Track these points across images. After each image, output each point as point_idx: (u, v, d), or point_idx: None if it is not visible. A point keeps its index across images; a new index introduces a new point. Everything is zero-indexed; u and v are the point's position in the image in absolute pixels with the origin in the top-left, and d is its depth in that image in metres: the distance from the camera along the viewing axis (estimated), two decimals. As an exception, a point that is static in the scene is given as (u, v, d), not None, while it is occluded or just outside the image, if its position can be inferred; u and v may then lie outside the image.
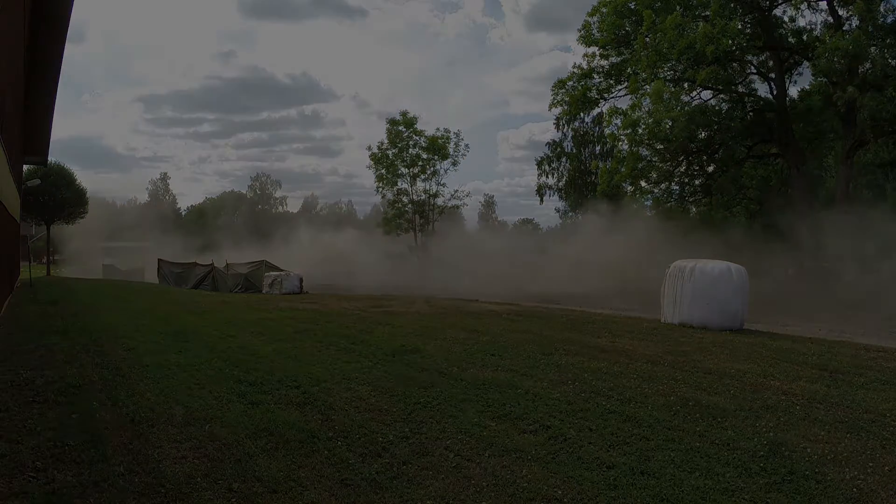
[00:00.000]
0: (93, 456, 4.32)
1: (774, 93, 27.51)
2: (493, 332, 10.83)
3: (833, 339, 10.75)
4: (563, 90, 32.45)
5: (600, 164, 37.00)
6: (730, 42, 25.17)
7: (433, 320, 12.65)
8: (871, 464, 4.62)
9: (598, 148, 46.96)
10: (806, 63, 26.36)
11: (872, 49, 22.68)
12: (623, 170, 28.38)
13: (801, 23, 27.26)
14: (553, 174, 49.07)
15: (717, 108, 28.08)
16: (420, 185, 42.96)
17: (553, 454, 4.70)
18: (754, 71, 28.10)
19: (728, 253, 17.82)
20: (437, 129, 43.07)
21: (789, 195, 27.16)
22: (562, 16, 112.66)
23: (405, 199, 42.84)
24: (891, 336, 11.74)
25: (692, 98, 27.76)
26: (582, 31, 30.87)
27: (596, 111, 35.47)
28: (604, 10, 29.70)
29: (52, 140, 19.49)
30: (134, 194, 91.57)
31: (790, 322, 14.02)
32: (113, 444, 4.59)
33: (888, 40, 22.81)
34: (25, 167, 23.97)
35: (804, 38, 26.22)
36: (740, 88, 27.88)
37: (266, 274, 24.54)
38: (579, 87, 32.01)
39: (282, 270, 25.25)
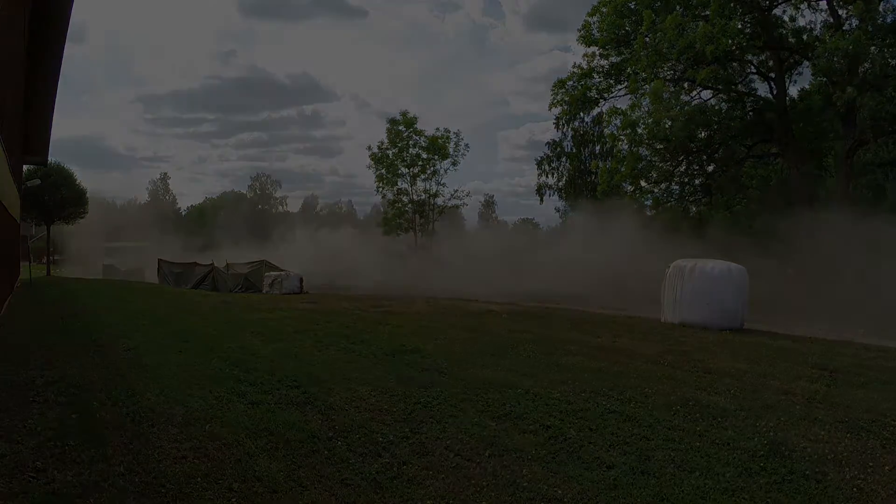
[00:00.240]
0: (93, 456, 4.31)
1: (774, 92, 27.49)
2: (493, 331, 10.83)
3: (833, 339, 10.75)
4: (563, 90, 32.42)
5: (600, 164, 36.99)
6: (730, 42, 25.15)
7: (433, 320, 12.66)
8: (871, 464, 4.62)
9: (597, 148, 46.95)
10: (806, 63, 26.35)
11: (872, 49, 22.66)
12: (623, 170, 28.38)
13: (801, 22, 27.21)
14: (553, 174, 49.07)
15: (716, 107, 28.08)
16: (420, 184, 42.98)
17: (553, 454, 4.70)
18: (754, 71, 28.09)
19: (727, 253, 17.81)
20: (437, 128, 43.04)
21: (789, 195, 27.16)
22: (562, 16, 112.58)
23: (405, 199, 42.84)
24: (891, 336, 11.73)
25: (692, 98, 27.76)
26: (582, 31, 30.87)
27: (596, 111, 35.45)
28: (604, 9, 29.69)
29: (52, 140, 19.48)
30: (134, 194, 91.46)
31: (790, 322, 14.01)
32: (113, 444, 4.59)
33: (888, 40, 22.80)
34: (25, 167, 23.96)
35: (804, 37, 26.19)
36: (740, 88, 27.87)
37: (266, 274, 24.55)
38: (579, 87, 31.98)
39: (282, 270, 25.25)
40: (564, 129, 48.33)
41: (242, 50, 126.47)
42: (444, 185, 42.88)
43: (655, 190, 29.74)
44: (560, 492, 4.02)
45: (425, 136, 41.84)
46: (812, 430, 5.37)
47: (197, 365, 7.50)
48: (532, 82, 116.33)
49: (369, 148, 42.81)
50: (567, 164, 48.13)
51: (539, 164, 49.30)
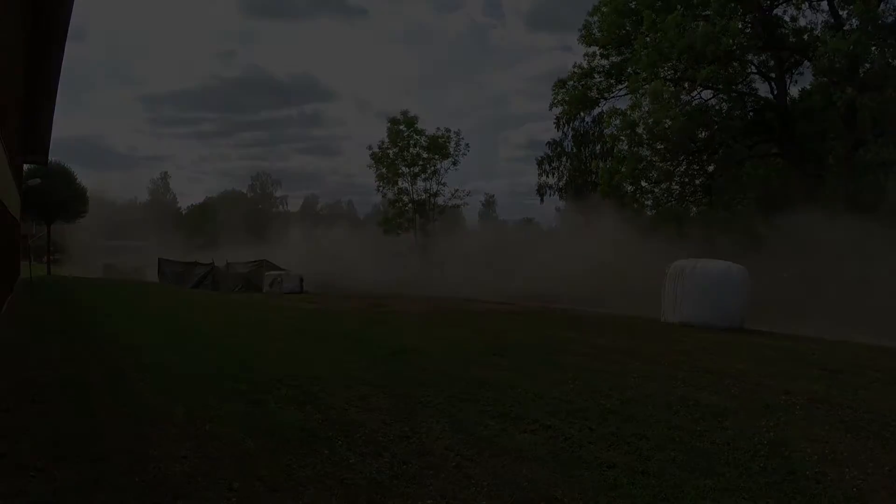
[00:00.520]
0: (93, 455, 4.31)
1: (775, 92, 27.49)
2: (493, 331, 10.84)
3: (833, 340, 10.75)
4: (564, 90, 32.44)
5: (601, 164, 36.99)
6: (730, 41, 25.16)
7: (433, 320, 12.66)
8: (871, 464, 4.62)
9: (598, 147, 46.93)
10: (806, 63, 26.34)
11: (873, 49, 22.66)
12: (623, 170, 28.38)
13: (802, 22, 27.23)
14: (553, 174, 49.02)
15: (717, 107, 28.08)
16: (420, 184, 42.98)
17: (553, 454, 4.69)
18: (755, 70, 28.08)
19: (727, 253, 17.81)
20: (438, 128, 43.02)
21: (789, 195, 27.14)
22: (562, 16, 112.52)
23: (405, 199, 42.86)
24: (890, 336, 11.73)
25: (692, 98, 27.75)
26: (582, 31, 30.88)
27: (596, 111, 35.44)
28: (604, 9, 29.69)
29: (52, 139, 19.49)
30: (134, 194, 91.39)
31: (790, 322, 14.01)
32: (113, 444, 4.59)
33: (888, 40, 22.79)
34: (26, 166, 23.97)
35: (805, 37, 26.19)
36: (741, 88, 27.87)
37: (266, 273, 24.57)
38: (580, 87, 32.00)
39: (282, 270, 25.27)
40: (565, 129, 48.24)
41: (243, 49, 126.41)
42: (444, 184, 42.91)
43: (656, 190, 29.75)
44: (560, 492, 4.01)
45: (426, 136, 41.85)
46: (812, 430, 5.37)
47: (197, 364, 7.50)
48: (532, 82, 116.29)
49: (370, 147, 42.82)
50: (567, 164, 48.11)
51: (539, 163, 49.29)
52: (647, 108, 27.22)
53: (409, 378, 7.00)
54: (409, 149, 42.12)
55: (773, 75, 27.56)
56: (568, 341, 9.73)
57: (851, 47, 21.68)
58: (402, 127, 41.76)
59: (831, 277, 20.74)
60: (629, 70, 29.47)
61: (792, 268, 23.76)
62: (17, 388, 6.06)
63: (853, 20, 23.93)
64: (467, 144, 43.50)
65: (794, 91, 28.63)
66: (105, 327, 10.69)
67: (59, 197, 29.16)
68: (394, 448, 4.75)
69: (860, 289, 18.73)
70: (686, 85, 27.55)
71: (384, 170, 42.16)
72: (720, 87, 27.07)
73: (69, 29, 10.95)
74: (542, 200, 49.65)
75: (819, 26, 26.14)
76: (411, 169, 42.38)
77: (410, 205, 42.69)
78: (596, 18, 30.31)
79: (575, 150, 48.10)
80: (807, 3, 26.13)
